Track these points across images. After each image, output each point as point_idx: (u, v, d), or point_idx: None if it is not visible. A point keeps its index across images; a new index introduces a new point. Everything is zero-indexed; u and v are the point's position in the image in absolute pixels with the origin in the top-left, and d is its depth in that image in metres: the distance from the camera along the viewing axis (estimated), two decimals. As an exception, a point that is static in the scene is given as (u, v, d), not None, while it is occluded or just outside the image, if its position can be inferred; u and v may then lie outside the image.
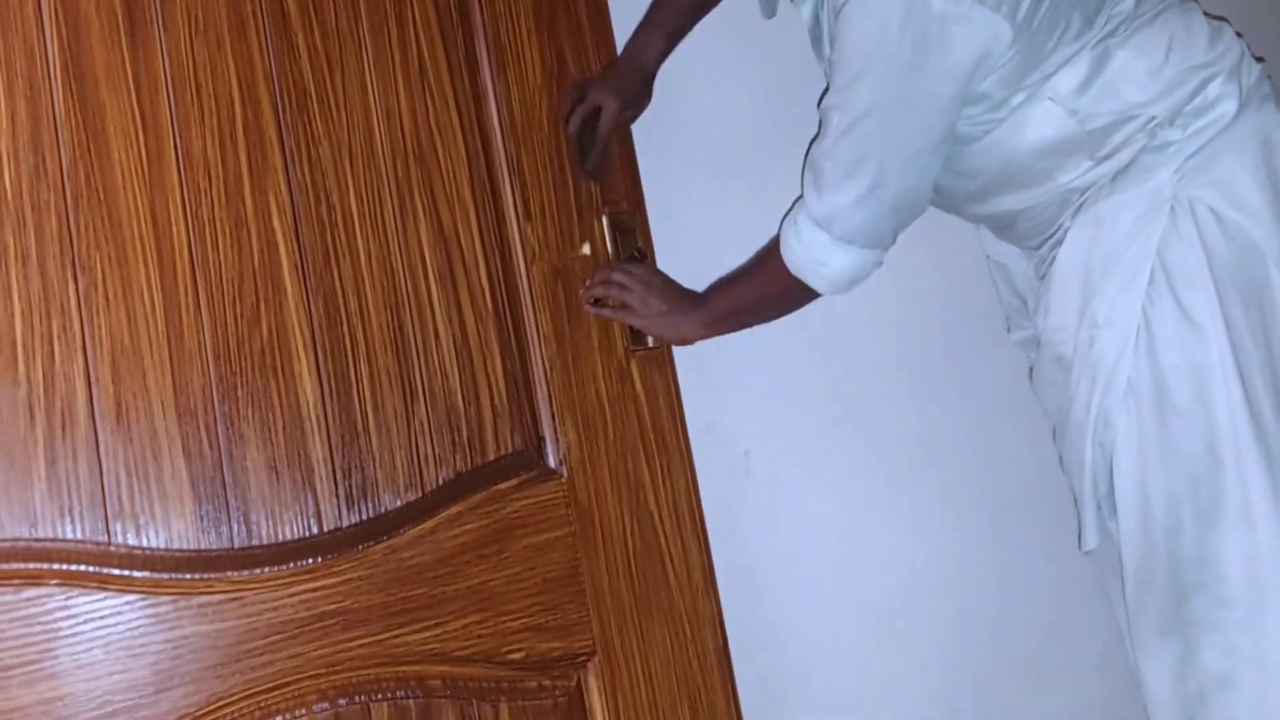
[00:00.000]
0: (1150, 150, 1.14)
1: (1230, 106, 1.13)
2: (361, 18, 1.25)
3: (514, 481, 1.23)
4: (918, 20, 1.03)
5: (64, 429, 1.06)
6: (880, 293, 1.53)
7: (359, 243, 1.21)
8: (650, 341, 1.30)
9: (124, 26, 1.13)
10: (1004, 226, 1.32)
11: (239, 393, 1.13)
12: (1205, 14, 1.20)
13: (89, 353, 1.08)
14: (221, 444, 1.12)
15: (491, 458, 1.23)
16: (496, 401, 1.25)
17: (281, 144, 1.19)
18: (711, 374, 1.43)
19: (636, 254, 1.31)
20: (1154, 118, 1.13)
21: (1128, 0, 1.14)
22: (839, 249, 1.16)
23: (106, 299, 1.10)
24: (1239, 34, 1.21)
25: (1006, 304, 1.44)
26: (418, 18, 1.28)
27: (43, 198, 1.09)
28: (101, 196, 1.11)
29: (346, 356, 1.18)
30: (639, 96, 1.35)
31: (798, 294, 1.23)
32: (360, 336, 1.19)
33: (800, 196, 1.20)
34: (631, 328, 1.29)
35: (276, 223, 1.17)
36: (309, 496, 1.14)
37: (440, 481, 1.20)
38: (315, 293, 1.18)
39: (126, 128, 1.12)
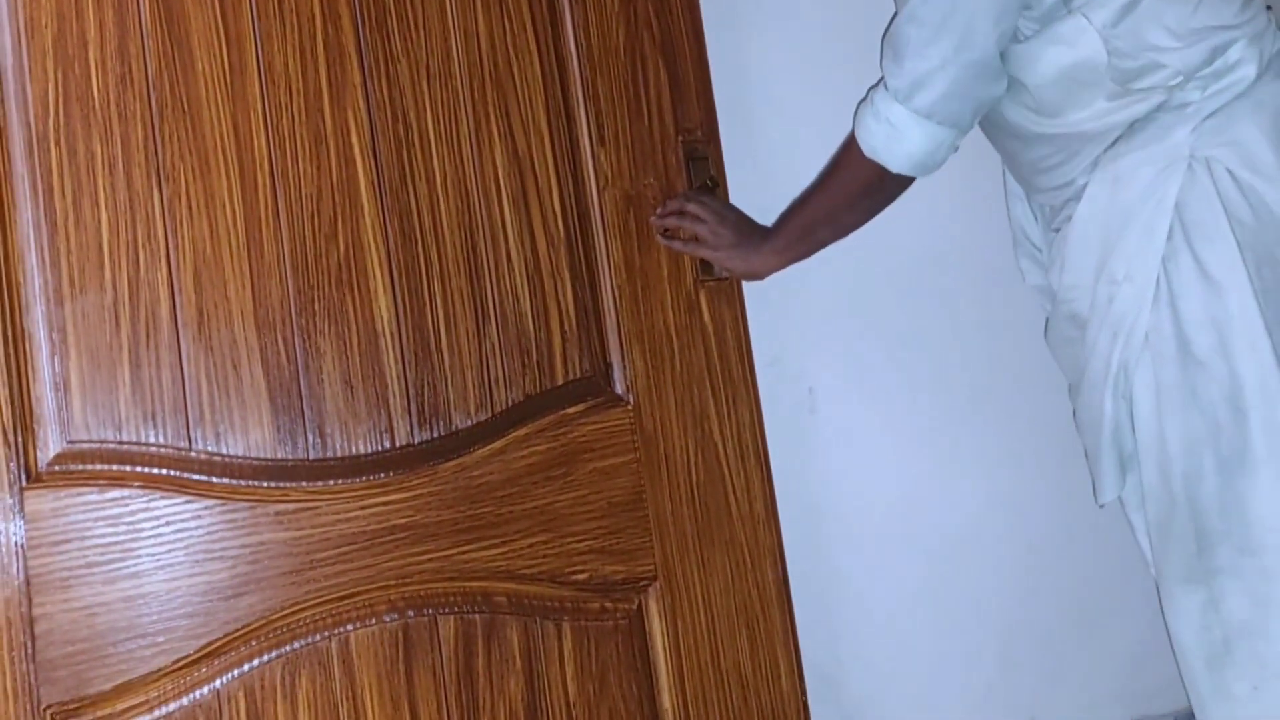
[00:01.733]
0: (1168, 109, 1.14)
1: (1250, 71, 1.12)
2: (442, -64, 1.24)
3: (581, 406, 1.24)
4: None
5: (148, 336, 1.08)
6: (949, 228, 1.51)
7: (435, 163, 1.21)
8: (719, 273, 1.30)
9: (209, -62, 1.13)
10: (1020, 165, 1.31)
11: (316, 306, 1.14)
12: None
13: (172, 261, 1.10)
14: (299, 356, 1.13)
15: (560, 382, 1.24)
16: (566, 327, 1.25)
17: (361, 61, 1.19)
18: (779, 307, 1.43)
19: (709, 183, 1.30)
20: (1177, 74, 1.12)
21: None
22: (918, 123, 1.15)
23: (190, 209, 1.11)
24: (1269, 6, 1.19)
25: (1026, 253, 1.42)
26: (497, -62, 1.27)
27: (129, 107, 1.10)
28: (186, 107, 1.12)
29: (421, 275, 1.19)
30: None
31: (875, 185, 1.21)
32: (434, 256, 1.20)
33: (875, 83, 1.19)
34: (701, 259, 1.29)
35: (355, 139, 1.18)
36: (382, 412, 1.16)
37: (509, 403, 1.21)
38: (391, 210, 1.18)
39: (210, 40, 1.13)
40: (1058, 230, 1.25)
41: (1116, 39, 1.12)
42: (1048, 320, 1.33)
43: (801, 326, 1.46)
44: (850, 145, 1.22)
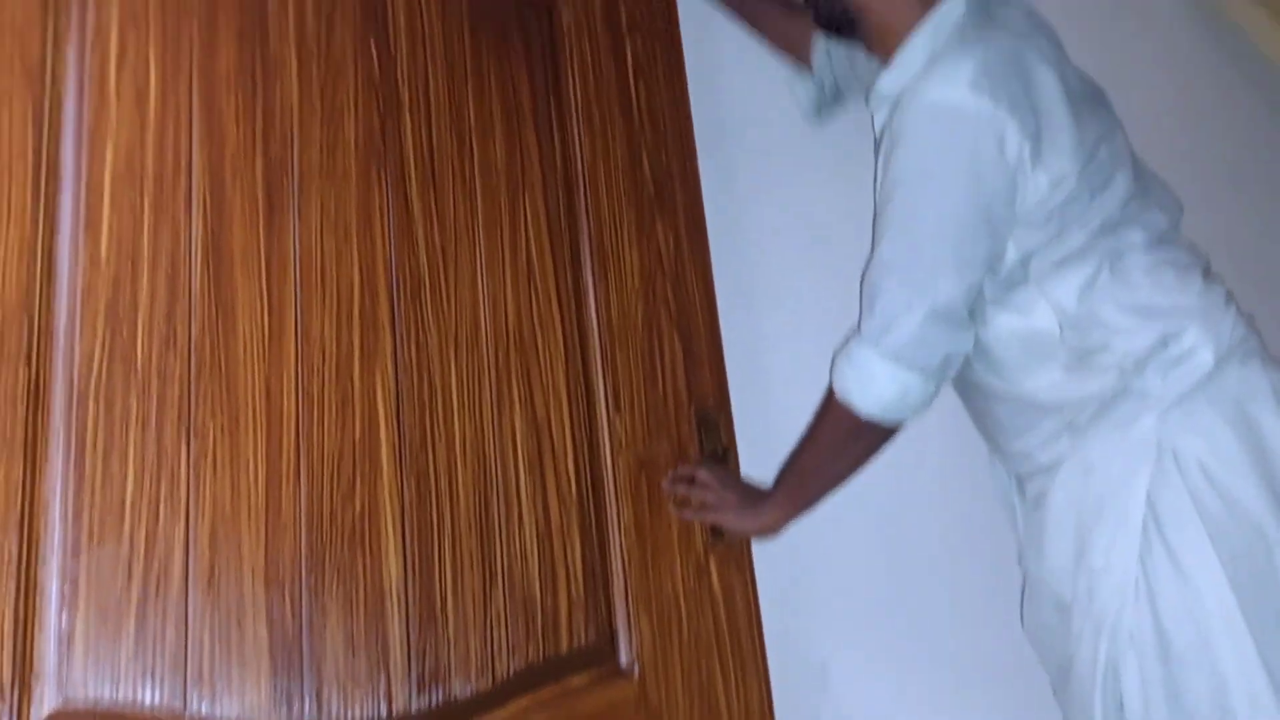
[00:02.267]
0: (1132, 395, 1.16)
1: (1206, 358, 1.15)
2: (478, 216, 1.33)
3: (585, 677, 1.21)
4: (977, 130, 1.11)
5: (158, 590, 1.09)
6: (968, 508, 1.52)
7: (455, 425, 1.25)
8: (730, 537, 1.30)
9: (263, 213, 1.22)
10: (986, 423, 1.34)
11: (326, 564, 1.15)
12: (1193, 251, 1.25)
13: (191, 517, 1.12)
14: (304, 614, 1.13)
15: (564, 650, 1.22)
16: (573, 590, 1.25)
17: (393, 328, 1.25)
18: (790, 575, 1.42)
19: (719, 451, 1.33)
20: (1128, 355, 1.16)
21: (1135, 230, 1.19)
22: (885, 366, 1.18)
23: (214, 466, 1.14)
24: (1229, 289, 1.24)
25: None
26: (529, 219, 1.36)
27: (169, 367, 1.15)
28: (223, 368, 1.17)
29: (432, 536, 1.20)
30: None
31: (854, 431, 1.23)
32: (447, 516, 1.22)
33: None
34: (711, 524, 1.30)
35: (380, 402, 1.22)
36: (382, 676, 1.14)
37: (512, 671, 1.19)
38: (409, 471, 1.21)
39: (254, 305, 1.20)
40: (1034, 506, 1.26)
41: (1068, 314, 1.17)
42: (1023, 605, 1.32)
43: (814, 596, 1.45)
44: (828, 392, 1.26)
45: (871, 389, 1.19)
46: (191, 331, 1.17)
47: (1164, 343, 1.15)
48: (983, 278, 1.19)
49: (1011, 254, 1.17)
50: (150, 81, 1.20)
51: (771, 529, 1.30)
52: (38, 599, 1.05)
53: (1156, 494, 1.13)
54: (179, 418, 1.14)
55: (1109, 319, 1.16)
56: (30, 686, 1.03)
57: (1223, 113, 1.91)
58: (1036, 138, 1.12)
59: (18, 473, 1.06)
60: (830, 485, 1.29)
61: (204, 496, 1.13)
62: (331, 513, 1.17)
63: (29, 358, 1.08)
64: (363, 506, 1.18)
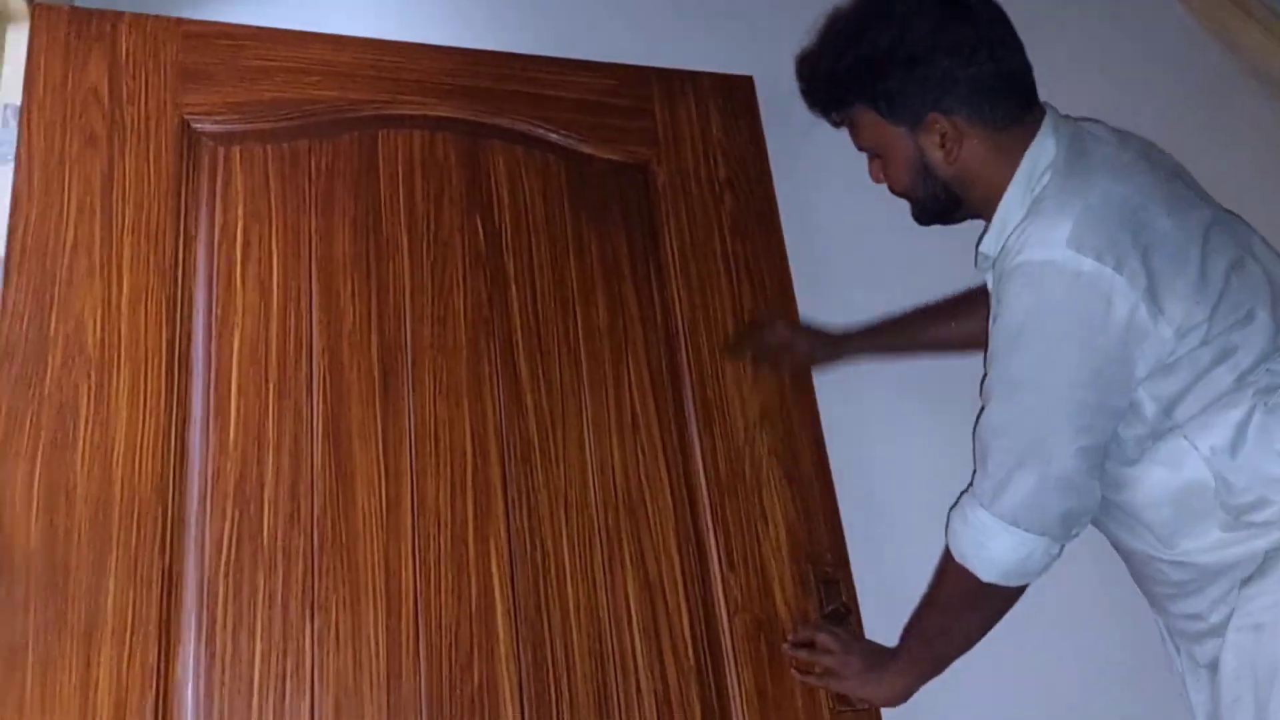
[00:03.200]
0: None
1: None
2: (583, 377, 1.36)
3: None
4: (1080, 291, 1.06)
5: (285, 771, 1.10)
6: (1115, 666, 1.44)
7: (569, 590, 1.25)
8: (857, 704, 1.26)
9: (379, 389, 1.27)
10: (1146, 587, 1.24)
11: (447, 740, 1.15)
12: None
13: (316, 693, 1.14)
14: (426, 793, 1.12)
15: (690, 823, 1.19)
16: (695, 759, 1.22)
17: (505, 492, 1.27)
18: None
19: (841, 609, 1.30)
20: None
21: None
22: (1001, 529, 1.12)
23: (337, 640, 1.16)
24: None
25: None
26: (633, 377, 1.38)
27: (294, 543, 1.19)
28: (344, 541, 1.20)
29: (551, 707, 1.19)
30: (826, 355, 1.47)
31: (975, 594, 1.16)
32: (565, 686, 1.21)
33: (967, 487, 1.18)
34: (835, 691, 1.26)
35: (494, 568, 1.23)
36: None
37: (635, 846, 1.16)
38: (525, 640, 1.21)
39: (371, 478, 1.24)
40: (1210, 670, 1.17)
41: (1227, 463, 1.08)
42: None
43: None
44: (946, 553, 1.21)
45: (989, 552, 1.14)
46: (314, 507, 1.21)
47: None
48: (1104, 441, 1.12)
49: (1149, 405, 1.10)
50: (274, 271, 1.27)
51: (899, 697, 1.24)
52: (172, 784, 1.07)
53: None
54: (303, 593, 1.17)
55: (1267, 469, 1.07)
56: None
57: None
58: (1151, 289, 1.06)
59: (153, 656, 1.09)
60: (958, 647, 1.23)
61: (328, 671, 1.15)
62: (451, 685, 1.17)
63: (163, 545, 1.13)
64: (481, 678, 1.18)
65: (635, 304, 1.42)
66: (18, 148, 1.23)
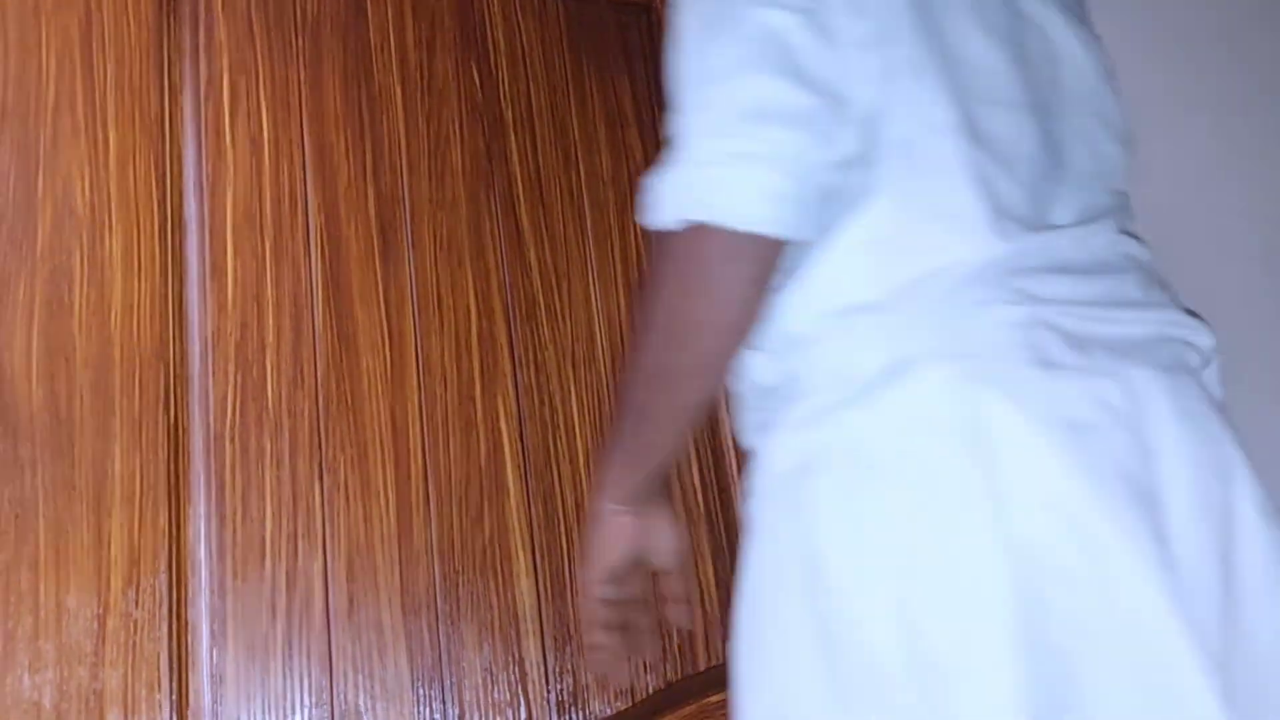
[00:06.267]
0: None
1: None
2: (588, 231, 1.32)
3: (723, 695, 1.19)
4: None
5: (301, 626, 1.12)
6: None
7: (578, 443, 1.24)
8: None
9: (379, 248, 1.24)
10: None
11: (460, 591, 1.16)
12: None
13: (328, 551, 1.15)
14: (441, 643, 1.14)
15: (702, 668, 1.20)
16: (708, 608, 1.23)
17: (511, 350, 1.25)
18: None
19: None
20: None
21: None
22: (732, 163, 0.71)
23: (347, 499, 1.16)
24: None
25: None
26: (638, 227, 1.34)
27: (299, 405, 1.18)
28: (349, 402, 1.19)
29: (562, 557, 1.20)
30: None
31: (691, 294, 0.75)
32: (576, 537, 1.21)
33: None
34: None
35: (503, 425, 1.23)
36: (521, 701, 1.14)
37: (650, 690, 1.18)
38: (536, 493, 1.21)
39: (375, 339, 1.22)
40: None
41: None
42: None
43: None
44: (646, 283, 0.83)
45: (721, 194, 0.72)
46: (318, 369, 1.20)
47: None
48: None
49: None
50: (264, 126, 1.23)
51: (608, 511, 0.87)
52: (189, 638, 1.09)
53: None
54: (310, 454, 1.17)
55: None
56: (189, 724, 1.07)
57: None
58: None
59: (164, 517, 1.10)
60: (666, 413, 0.82)
61: (339, 529, 1.15)
62: (462, 539, 1.18)
63: (167, 408, 1.12)
64: (492, 531, 1.19)
65: (640, 151, 1.37)
66: (-12, 1, 1.18)
